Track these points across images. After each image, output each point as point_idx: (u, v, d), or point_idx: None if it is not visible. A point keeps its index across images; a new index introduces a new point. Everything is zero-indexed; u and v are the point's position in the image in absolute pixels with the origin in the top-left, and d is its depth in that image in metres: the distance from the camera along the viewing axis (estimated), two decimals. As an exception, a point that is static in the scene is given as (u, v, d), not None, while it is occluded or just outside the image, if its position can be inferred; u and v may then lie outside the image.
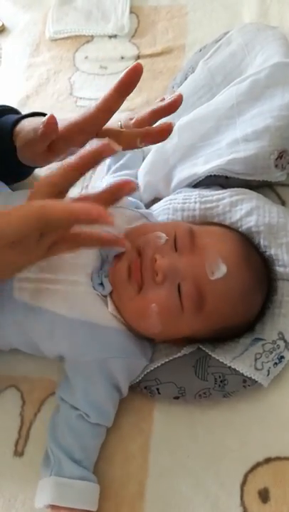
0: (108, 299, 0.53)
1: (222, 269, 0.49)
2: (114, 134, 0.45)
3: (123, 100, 0.45)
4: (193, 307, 0.50)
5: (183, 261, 0.50)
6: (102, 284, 0.53)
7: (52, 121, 0.46)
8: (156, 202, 0.66)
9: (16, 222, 0.37)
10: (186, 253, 0.51)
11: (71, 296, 0.50)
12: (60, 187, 0.40)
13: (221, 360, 0.54)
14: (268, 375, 0.54)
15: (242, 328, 0.55)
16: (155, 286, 0.50)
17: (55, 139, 0.47)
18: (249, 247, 0.56)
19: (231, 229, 0.58)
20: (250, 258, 0.54)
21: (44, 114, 0.56)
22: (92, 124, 0.46)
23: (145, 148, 0.74)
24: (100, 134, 0.46)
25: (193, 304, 0.50)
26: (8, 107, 0.60)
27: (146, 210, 0.63)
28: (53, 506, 0.49)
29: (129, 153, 0.68)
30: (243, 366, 0.53)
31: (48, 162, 0.52)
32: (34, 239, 0.39)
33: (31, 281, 0.50)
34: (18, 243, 0.38)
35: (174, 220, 0.61)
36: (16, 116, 0.56)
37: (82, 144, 0.45)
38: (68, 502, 0.49)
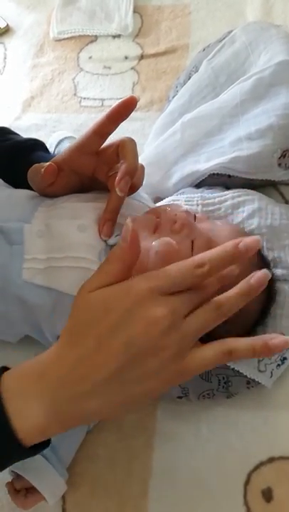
0: None
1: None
2: (113, 150, 0.49)
3: (116, 126, 0.48)
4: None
5: (201, 226, 0.51)
6: None
7: (50, 170, 0.50)
8: (156, 202, 0.66)
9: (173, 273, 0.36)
10: (204, 223, 0.52)
11: (79, 274, 0.50)
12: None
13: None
14: (271, 376, 0.54)
15: (245, 321, 0.55)
16: (170, 234, 0.48)
17: (58, 164, 0.51)
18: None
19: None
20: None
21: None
22: (90, 146, 0.49)
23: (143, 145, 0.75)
24: (99, 153, 0.50)
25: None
26: (37, 141, 0.63)
27: (154, 204, 0.63)
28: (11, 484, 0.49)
29: None
30: (247, 368, 0.53)
31: (54, 190, 0.53)
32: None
33: (40, 262, 0.50)
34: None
35: None
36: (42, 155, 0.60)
37: (83, 165, 0.50)
38: (29, 475, 0.48)
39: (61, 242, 0.50)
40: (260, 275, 0.37)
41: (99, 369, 0.35)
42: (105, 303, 0.36)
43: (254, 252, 0.36)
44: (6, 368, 0.40)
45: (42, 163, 0.51)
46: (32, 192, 0.56)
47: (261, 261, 0.55)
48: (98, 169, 0.52)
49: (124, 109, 0.46)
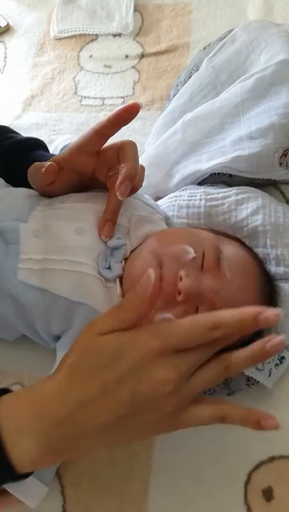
0: (117, 282, 0.52)
1: None
2: (114, 153, 0.49)
3: (117, 129, 0.48)
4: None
5: (206, 283, 0.47)
6: (109, 268, 0.51)
7: (51, 169, 0.50)
8: (157, 201, 0.66)
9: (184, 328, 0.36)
10: (211, 276, 0.48)
11: (74, 278, 0.50)
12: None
13: None
14: (270, 375, 0.54)
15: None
16: (173, 303, 0.47)
17: (58, 163, 0.51)
18: (261, 270, 0.54)
19: (248, 249, 0.56)
20: (265, 289, 0.53)
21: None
22: (90, 146, 0.49)
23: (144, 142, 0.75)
24: (100, 153, 0.50)
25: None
26: (37, 140, 0.63)
27: (154, 202, 0.63)
28: None
29: None
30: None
31: (54, 189, 0.53)
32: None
33: (36, 263, 0.50)
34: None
35: (182, 218, 0.60)
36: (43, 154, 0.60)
37: (83, 165, 0.50)
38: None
39: (58, 244, 0.50)
40: (277, 342, 0.36)
41: (99, 415, 0.35)
42: (116, 351, 0.36)
43: (273, 326, 0.36)
44: (5, 390, 0.40)
45: (42, 162, 0.51)
46: (31, 190, 0.56)
47: (266, 276, 0.55)
48: (98, 169, 0.52)
49: (126, 114, 0.47)
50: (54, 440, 0.37)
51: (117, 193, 0.48)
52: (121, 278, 0.52)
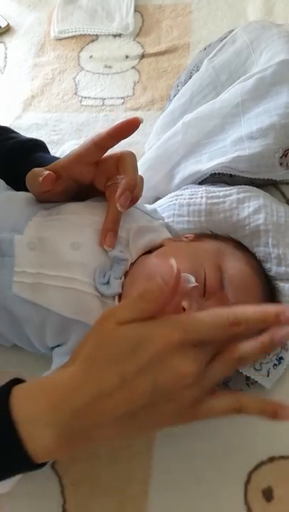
0: (116, 300, 0.51)
1: None
2: (113, 163, 0.49)
3: (117, 142, 0.48)
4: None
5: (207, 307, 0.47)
6: (108, 283, 0.50)
7: (48, 179, 0.50)
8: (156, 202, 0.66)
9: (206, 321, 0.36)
10: (214, 302, 0.48)
11: (68, 295, 0.50)
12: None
13: None
14: (268, 375, 0.54)
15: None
16: None
17: (56, 170, 0.51)
18: (261, 271, 0.54)
19: (248, 252, 0.55)
20: (266, 292, 0.53)
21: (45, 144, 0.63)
22: (89, 157, 0.50)
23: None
24: (99, 163, 0.50)
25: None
26: (37, 141, 0.63)
27: (151, 207, 0.63)
28: None
29: None
30: (243, 366, 0.53)
31: (52, 196, 0.53)
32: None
33: (30, 276, 0.49)
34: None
35: (182, 216, 0.60)
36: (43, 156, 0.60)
37: (82, 174, 0.50)
38: None
39: (53, 259, 0.49)
40: (285, 334, 0.36)
41: (117, 407, 0.35)
42: (136, 342, 0.36)
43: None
44: (16, 381, 0.40)
45: (41, 169, 0.51)
46: (30, 195, 0.55)
47: (266, 277, 0.54)
48: (97, 179, 0.52)
49: (127, 128, 0.47)
50: (70, 430, 0.37)
51: (117, 205, 0.48)
52: (119, 295, 0.51)
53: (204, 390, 0.37)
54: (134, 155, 0.50)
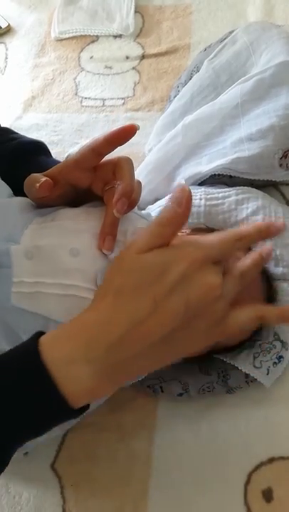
0: None
1: None
2: (110, 168, 0.49)
3: (113, 149, 0.48)
4: None
5: None
6: None
7: (45, 186, 0.50)
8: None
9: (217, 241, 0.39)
10: None
11: (68, 302, 0.49)
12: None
13: (221, 358, 0.55)
14: (268, 373, 0.54)
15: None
16: None
17: (54, 176, 0.51)
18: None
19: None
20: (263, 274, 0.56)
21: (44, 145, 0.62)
22: (86, 162, 0.50)
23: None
24: (96, 168, 0.50)
25: None
26: (38, 143, 0.63)
27: (145, 211, 0.63)
28: None
29: None
30: (243, 363, 0.54)
31: (49, 201, 0.53)
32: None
33: (28, 286, 0.49)
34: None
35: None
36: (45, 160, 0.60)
37: (79, 179, 0.50)
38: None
39: (52, 267, 0.49)
40: (269, 248, 0.41)
41: (154, 331, 0.36)
42: (161, 265, 0.36)
43: (281, 231, 0.40)
44: (41, 333, 0.39)
45: (38, 176, 0.51)
46: (24, 201, 0.55)
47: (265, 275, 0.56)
48: (94, 184, 0.52)
49: (124, 134, 0.47)
50: (107, 365, 0.36)
51: (114, 211, 0.48)
52: None
53: (227, 306, 0.38)
54: (130, 160, 0.50)
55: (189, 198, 0.38)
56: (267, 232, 0.40)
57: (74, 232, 0.51)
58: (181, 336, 0.37)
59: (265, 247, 0.41)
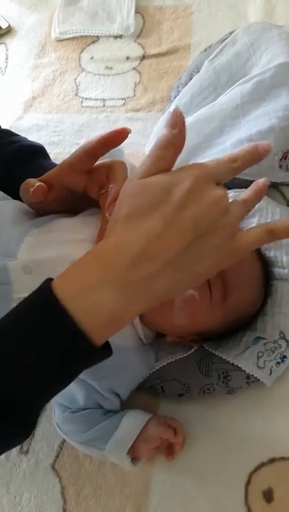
0: None
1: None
2: (104, 171, 0.50)
3: (106, 151, 0.49)
4: (220, 298, 0.52)
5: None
6: None
7: (39, 191, 0.50)
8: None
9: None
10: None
11: None
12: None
13: (224, 358, 0.54)
14: (271, 374, 0.54)
15: (246, 320, 0.57)
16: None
17: (49, 180, 0.51)
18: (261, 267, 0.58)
19: None
20: (259, 255, 0.57)
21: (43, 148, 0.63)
22: (80, 165, 0.50)
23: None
24: (90, 171, 0.50)
25: (220, 295, 0.52)
26: (36, 147, 0.63)
27: None
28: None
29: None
30: (246, 363, 0.54)
31: (45, 206, 0.53)
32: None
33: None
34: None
35: None
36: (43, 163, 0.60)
37: (74, 182, 0.50)
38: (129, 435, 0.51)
39: (50, 260, 0.48)
40: (263, 181, 0.43)
41: (169, 247, 0.36)
42: (167, 185, 0.37)
43: (268, 153, 0.41)
44: (51, 279, 0.38)
45: (33, 180, 0.51)
46: (17, 209, 0.54)
47: (260, 257, 0.57)
48: (89, 187, 0.51)
49: (116, 137, 0.47)
50: (128, 285, 0.36)
51: (106, 215, 0.48)
52: None
53: (236, 222, 0.39)
54: (124, 164, 0.50)
55: (182, 118, 0.39)
56: (255, 152, 0.41)
57: (73, 242, 0.50)
58: (198, 253, 0.37)
59: (262, 142, 0.42)
